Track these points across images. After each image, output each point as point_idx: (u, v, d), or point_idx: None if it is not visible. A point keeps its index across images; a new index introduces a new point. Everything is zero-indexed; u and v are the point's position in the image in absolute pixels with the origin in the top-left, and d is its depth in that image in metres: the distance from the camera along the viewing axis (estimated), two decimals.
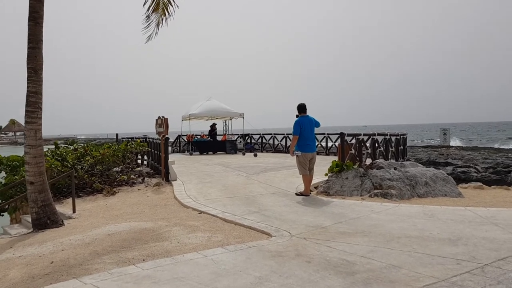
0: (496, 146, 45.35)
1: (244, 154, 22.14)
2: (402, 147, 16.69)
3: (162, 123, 13.04)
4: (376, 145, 13.24)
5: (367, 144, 12.56)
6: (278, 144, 24.45)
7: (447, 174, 10.16)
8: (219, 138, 24.69)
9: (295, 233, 5.65)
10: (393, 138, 15.36)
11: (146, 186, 11.46)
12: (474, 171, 20.31)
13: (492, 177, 18.53)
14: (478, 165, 22.64)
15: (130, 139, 18.26)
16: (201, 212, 7.48)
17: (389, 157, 14.49)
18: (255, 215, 6.93)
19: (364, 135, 12.24)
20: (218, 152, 23.34)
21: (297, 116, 8.91)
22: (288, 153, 14.72)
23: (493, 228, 5.65)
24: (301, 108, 8.84)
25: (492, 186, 10.86)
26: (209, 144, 23.62)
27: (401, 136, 16.69)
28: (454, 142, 47.77)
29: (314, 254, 4.66)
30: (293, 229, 5.90)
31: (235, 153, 23.14)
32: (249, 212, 7.17)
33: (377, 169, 9.60)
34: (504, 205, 7.69)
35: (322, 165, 12.51)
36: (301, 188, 9.02)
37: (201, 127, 25.28)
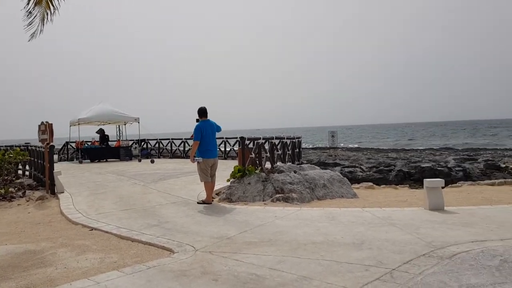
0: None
1: (140, 160, 21.12)
2: (297, 149, 17.18)
3: (46, 129, 11.78)
4: (275, 148, 13.36)
5: (266, 148, 12.61)
6: (176, 149, 23.78)
7: (335, 172, 10.55)
8: (112, 144, 23.26)
9: (199, 247, 5.26)
10: (289, 142, 15.70)
11: (28, 201, 10.18)
12: (360, 170, 21.69)
13: (375, 176, 19.94)
14: (363, 165, 24.28)
15: (8, 148, 16.32)
16: (92, 228, 6.72)
17: (286, 160, 14.77)
18: (155, 229, 6.40)
19: (263, 139, 12.26)
20: (111, 160, 21.96)
21: (197, 120, 8.53)
22: (188, 158, 14.26)
23: (392, 229, 5.83)
24: (202, 112, 8.48)
25: (382, 186, 11.54)
26: (101, 151, 22.13)
27: (297, 140, 17.18)
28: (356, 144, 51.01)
29: (222, 270, 4.33)
30: (197, 242, 5.51)
31: (130, 160, 22.00)
32: (148, 226, 6.62)
33: (278, 173, 9.60)
34: (397, 204, 8.11)
35: (222, 170, 12.27)
36: (203, 195, 8.65)
37: (92, 133, 23.61)
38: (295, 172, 9.81)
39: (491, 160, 24.50)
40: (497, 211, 6.93)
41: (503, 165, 21.92)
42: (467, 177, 18.56)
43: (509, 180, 10.92)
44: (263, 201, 8.65)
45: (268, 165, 11.94)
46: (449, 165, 21.34)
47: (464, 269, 4.02)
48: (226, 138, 21.41)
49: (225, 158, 20.32)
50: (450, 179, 16.94)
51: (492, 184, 10.51)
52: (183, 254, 4.99)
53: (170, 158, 23.20)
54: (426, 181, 7.36)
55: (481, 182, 11.01)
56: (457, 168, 20.25)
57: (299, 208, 7.79)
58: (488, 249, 4.68)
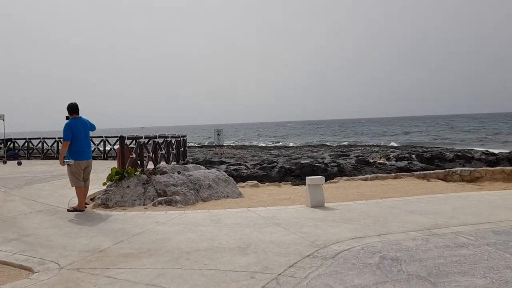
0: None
1: (5, 162, 18.73)
2: (182, 148, 16.69)
3: None
4: (158, 148, 12.73)
5: (149, 148, 11.93)
6: (48, 149, 21.60)
7: (222, 172, 10.40)
8: None
9: (65, 264, 4.58)
10: (173, 140, 15.15)
11: None
12: (245, 168, 21.96)
13: (259, 173, 20.34)
14: (247, 162, 24.66)
15: None
16: None
17: (171, 159, 14.22)
18: (14, 244, 5.49)
19: (146, 137, 11.57)
20: None
21: (67, 118, 7.62)
22: None
23: (277, 229, 5.75)
24: (73, 108, 7.58)
25: (266, 184, 11.65)
26: None
27: (182, 138, 16.67)
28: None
29: None
30: (64, 258, 4.81)
31: None
32: (5, 241, 5.66)
33: (160, 174, 9.07)
34: (281, 202, 8.16)
35: (100, 172, 11.34)
36: (75, 202, 7.77)
37: None
38: (179, 173, 9.37)
39: (362, 156, 26.58)
40: (372, 206, 7.31)
41: (372, 160, 23.92)
42: (341, 172, 19.81)
43: (380, 175, 11.78)
44: (144, 205, 8.08)
45: (151, 165, 11.30)
46: (325, 161, 22.61)
47: (347, 269, 4.02)
48: (105, 137, 20.05)
49: (105, 159, 19.02)
50: (327, 174, 17.92)
51: (365, 179, 11.23)
52: (45, 274, 4.29)
53: (41, 159, 21.00)
54: (308, 178, 7.48)
55: (356, 177, 11.71)
56: (332, 164, 21.53)
57: (183, 211, 7.39)
58: (367, 246, 4.80)
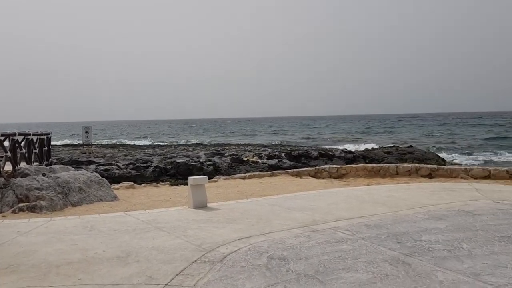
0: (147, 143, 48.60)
1: None
2: (46, 147, 15.10)
3: None
4: (17, 146, 11.27)
5: (6, 147, 10.49)
6: None
7: (91, 172, 9.65)
8: None
9: None
10: (36, 138, 13.60)
11: None
12: (116, 168, 20.81)
13: (133, 173, 19.45)
14: (119, 162, 23.42)
15: None
16: None
17: (33, 160, 12.73)
18: None
19: (2, 135, 10.16)
20: None
21: None
22: None
23: (159, 234, 5.43)
24: None
25: (143, 184, 11.10)
26: None
27: (45, 136, 15.07)
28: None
29: None
30: None
31: None
32: None
33: (22, 177, 8.02)
34: (161, 205, 7.79)
35: None
36: None
37: None
38: (44, 175, 8.40)
39: (236, 154, 27.14)
40: (253, 204, 7.38)
41: (245, 159, 24.56)
42: (217, 170, 19.93)
43: (258, 173, 12.06)
44: (1, 212, 7.05)
45: (9, 167, 9.93)
46: (201, 160, 22.55)
47: (237, 273, 3.92)
48: None
49: None
50: (203, 173, 17.84)
51: (244, 178, 11.38)
52: None
53: None
54: (191, 179, 7.26)
55: (235, 176, 11.80)
56: (208, 163, 21.57)
57: (49, 218, 6.60)
58: (254, 246, 4.78)
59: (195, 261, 4.32)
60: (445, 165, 23.42)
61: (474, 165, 21.64)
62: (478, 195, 8.00)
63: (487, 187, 9.00)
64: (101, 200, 8.28)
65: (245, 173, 13.30)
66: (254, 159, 24.07)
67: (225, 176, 11.85)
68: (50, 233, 5.61)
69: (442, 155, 28.27)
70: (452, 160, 26.93)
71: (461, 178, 11.19)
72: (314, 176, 12.20)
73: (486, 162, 26.27)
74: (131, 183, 10.81)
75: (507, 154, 30.60)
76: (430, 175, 11.69)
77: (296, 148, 33.06)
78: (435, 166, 12.43)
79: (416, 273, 3.81)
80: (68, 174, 8.63)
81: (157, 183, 12.03)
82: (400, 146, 30.59)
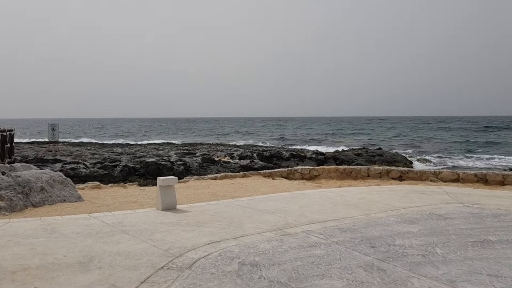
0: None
1: None
2: (8, 145, 14.47)
3: None
4: None
5: None
6: None
7: (56, 171, 9.24)
8: None
9: None
10: None
11: None
12: (83, 167, 20.20)
13: (100, 172, 18.92)
14: (86, 161, 22.77)
15: None
16: None
17: None
18: None
19: None
20: None
21: None
22: None
23: (124, 237, 5.16)
24: None
25: (110, 185, 10.72)
26: None
27: (8, 132, 14.44)
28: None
29: None
30: None
31: None
32: None
33: None
34: (127, 206, 7.49)
35: None
36: None
37: None
38: (3, 173, 7.96)
39: (207, 154, 26.85)
40: (225, 206, 7.18)
41: (217, 159, 24.32)
42: (188, 171, 19.61)
43: (229, 174, 11.85)
44: None
45: None
46: (171, 160, 22.16)
47: (207, 280, 3.72)
48: None
49: None
50: (173, 173, 17.50)
51: (215, 178, 11.16)
52: None
53: None
54: (160, 179, 6.99)
55: (206, 176, 11.56)
56: (178, 162, 21.21)
57: (8, 220, 6.21)
58: (225, 251, 4.58)
59: (162, 267, 4.09)
60: (412, 167, 23.81)
61: (443, 168, 22.11)
62: (448, 198, 8.05)
63: (456, 190, 9.08)
64: (64, 200, 7.90)
65: (217, 173, 13.08)
66: (226, 159, 23.89)
67: (196, 177, 11.59)
68: (7, 236, 5.25)
69: (412, 157, 28.83)
70: (423, 163, 27.44)
71: (431, 181, 11.31)
72: (287, 177, 12.11)
73: (454, 165, 26.89)
74: (97, 183, 10.41)
75: (475, 156, 31.44)
76: (400, 178, 11.78)
77: (268, 148, 33.05)
78: (406, 168, 12.54)
79: (391, 280, 3.70)
80: (29, 173, 8.19)
81: (125, 183, 11.68)
82: (370, 148, 30.98)
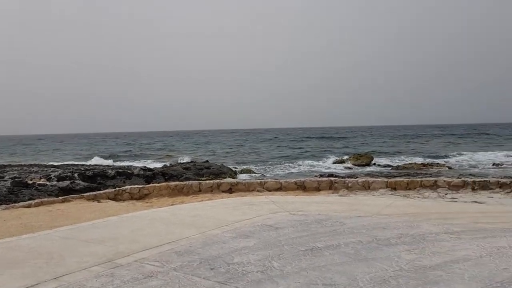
0: None
1: None
2: None
3: None
4: None
5: None
6: None
7: None
8: None
9: None
10: None
11: None
12: None
13: None
14: None
15: None
16: None
17: None
18: None
19: None
20: None
21: None
22: None
23: None
24: None
25: None
26: None
27: None
28: None
29: None
30: None
31: None
32: None
33: None
34: None
35: None
36: None
37: None
38: None
39: (19, 177, 23.62)
40: (42, 240, 6.21)
41: (31, 182, 21.57)
42: None
43: (46, 199, 10.46)
44: None
45: None
46: None
47: None
48: None
49: None
50: None
51: (29, 206, 9.70)
52: None
53: None
54: None
55: (16, 204, 9.97)
56: None
57: None
58: None
59: None
60: (236, 178, 24.97)
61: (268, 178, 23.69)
62: (275, 207, 8.48)
63: (281, 199, 9.68)
64: None
65: (31, 199, 11.43)
66: (41, 182, 21.31)
67: (3, 206, 9.90)
68: None
69: (235, 168, 30.17)
70: (247, 173, 28.93)
71: (258, 191, 11.89)
72: (114, 199, 11.28)
73: (275, 174, 29.04)
74: None
75: (291, 164, 34.54)
76: (230, 190, 12.09)
77: (91, 167, 30.70)
78: (235, 181, 12.96)
79: None
80: None
81: None
82: (197, 161, 31.44)
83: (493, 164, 30.24)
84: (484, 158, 35.39)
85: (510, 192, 9.85)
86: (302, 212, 7.85)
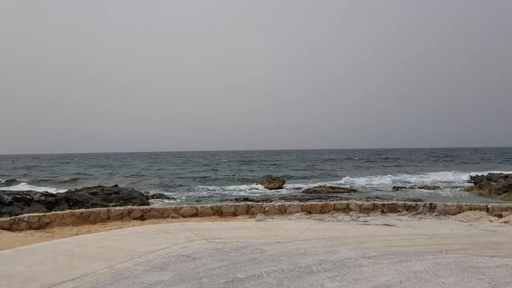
0: None
1: None
2: None
3: None
4: None
5: None
6: None
7: None
8: None
9: None
10: None
11: None
12: None
13: None
14: None
15: None
16: None
17: None
18: None
19: None
20: None
21: None
22: None
23: None
24: None
25: None
26: None
27: None
28: None
29: None
30: None
31: None
32: None
33: None
34: None
35: None
36: None
37: None
38: None
39: None
40: None
41: None
42: None
43: None
44: None
45: None
46: None
47: None
48: None
49: None
50: None
51: None
52: None
53: None
54: None
55: None
56: None
57: None
58: None
59: None
60: (149, 204, 23.98)
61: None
62: (192, 235, 8.07)
63: (198, 226, 9.28)
64: None
65: None
66: None
67: None
68: None
69: (147, 193, 29.04)
70: (160, 198, 27.95)
71: (172, 217, 11.36)
72: (10, 229, 10.07)
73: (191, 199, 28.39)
74: None
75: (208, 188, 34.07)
76: (142, 217, 11.42)
77: None
78: (147, 207, 12.28)
79: None
80: None
81: None
82: (106, 186, 29.75)
83: (394, 188, 32.42)
84: (383, 181, 38.17)
85: (415, 214, 10.42)
86: (220, 240, 7.54)
